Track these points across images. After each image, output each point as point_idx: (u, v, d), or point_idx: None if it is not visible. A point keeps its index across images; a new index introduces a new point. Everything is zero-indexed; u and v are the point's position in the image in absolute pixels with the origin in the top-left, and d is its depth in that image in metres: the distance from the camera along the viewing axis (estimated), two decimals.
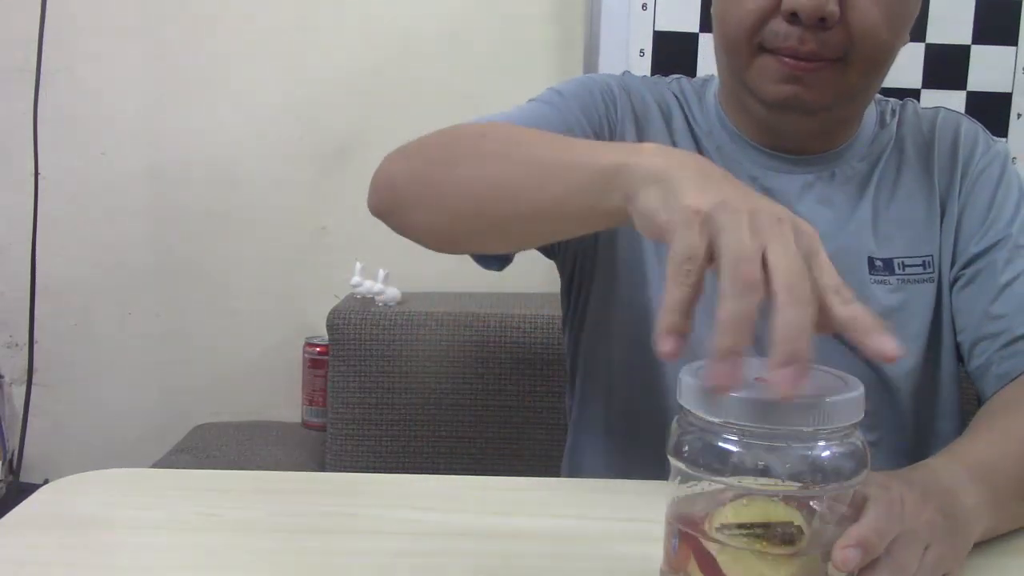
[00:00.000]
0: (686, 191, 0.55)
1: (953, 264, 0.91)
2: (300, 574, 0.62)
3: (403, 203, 0.79)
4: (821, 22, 0.79)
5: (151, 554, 0.63)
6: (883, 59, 0.85)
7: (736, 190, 0.55)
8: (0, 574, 0.61)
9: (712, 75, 0.98)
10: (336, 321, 1.45)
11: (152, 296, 1.76)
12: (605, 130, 0.92)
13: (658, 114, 0.95)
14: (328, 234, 1.74)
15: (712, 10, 0.88)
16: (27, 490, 0.73)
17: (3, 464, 1.71)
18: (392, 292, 1.49)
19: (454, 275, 1.64)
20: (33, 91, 1.62)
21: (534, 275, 1.82)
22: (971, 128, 0.95)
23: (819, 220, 0.86)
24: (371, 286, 1.48)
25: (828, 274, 0.51)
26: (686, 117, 0.95)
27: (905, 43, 0.86)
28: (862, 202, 0.91)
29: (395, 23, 1.68)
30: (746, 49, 0.83)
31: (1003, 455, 0.71)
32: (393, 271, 1.49)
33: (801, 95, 0.83)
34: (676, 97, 0.96)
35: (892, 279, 0.90)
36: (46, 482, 0.78)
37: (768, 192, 0.89)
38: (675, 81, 0.99)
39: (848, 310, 0.50)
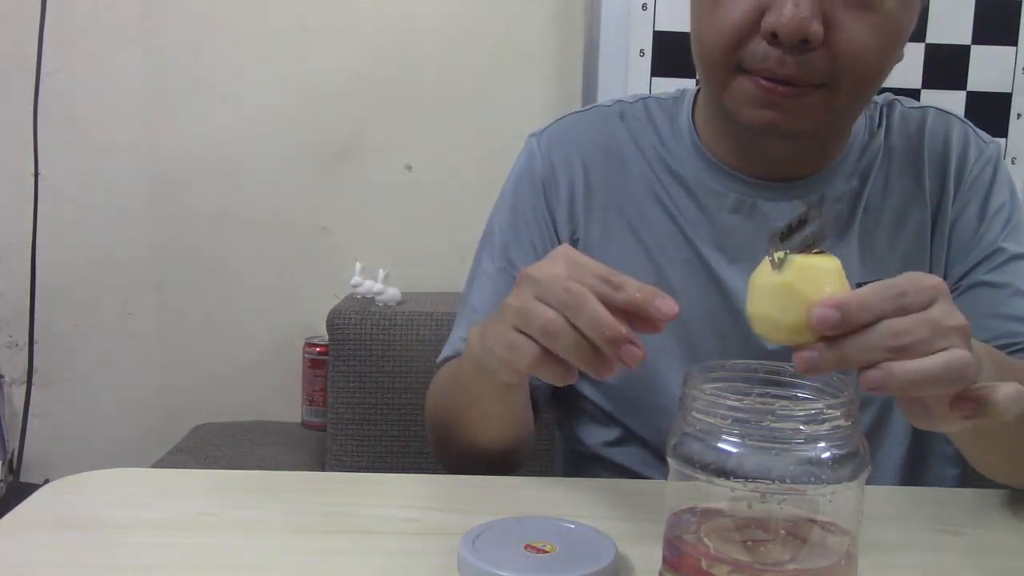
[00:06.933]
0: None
1: (945, 276, 0.87)
2: (300, 574, 0.62)
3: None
4: (803, 44, 0.72)
5: (151, 554, 0.63)
6: (873, 82, 0.78)
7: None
8: (0, 574, 0.61)
9: (684, 90, 0.92)
10: (336, 321, 1.45)
11: (152, 296, 1.76)
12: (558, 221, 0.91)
13: (601, 159, 0.90)
14: (328, 234, 1.74)
15: (691, 24, 0.81)
16: (27, 490, 0.73)
17: (3, 464, 1.71)
18: (392, 292, 1.49)
19: (454, 275, 1.64)
20: (33, 91, 1.62)
21: None
22: (962, 131, 0.90)
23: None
24: (371, 286, 1.48)
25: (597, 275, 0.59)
26: (655, 146, 0.90)
27: (900, 59, 0.79)
28: (851, 224, 0.86)
29: (395, 23, 1.68)
30: (723, 69, 0.77)
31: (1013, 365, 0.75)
32: (393, 271, 1.49)
33: (779, 122, 0.76)
34: (636, 126, 0.91)
35: None
36: (46, 482, 0.78)
37: (759, 217, 0.86)
38: (640, 103, 0.93)
39: (624, 295, 0.58)
